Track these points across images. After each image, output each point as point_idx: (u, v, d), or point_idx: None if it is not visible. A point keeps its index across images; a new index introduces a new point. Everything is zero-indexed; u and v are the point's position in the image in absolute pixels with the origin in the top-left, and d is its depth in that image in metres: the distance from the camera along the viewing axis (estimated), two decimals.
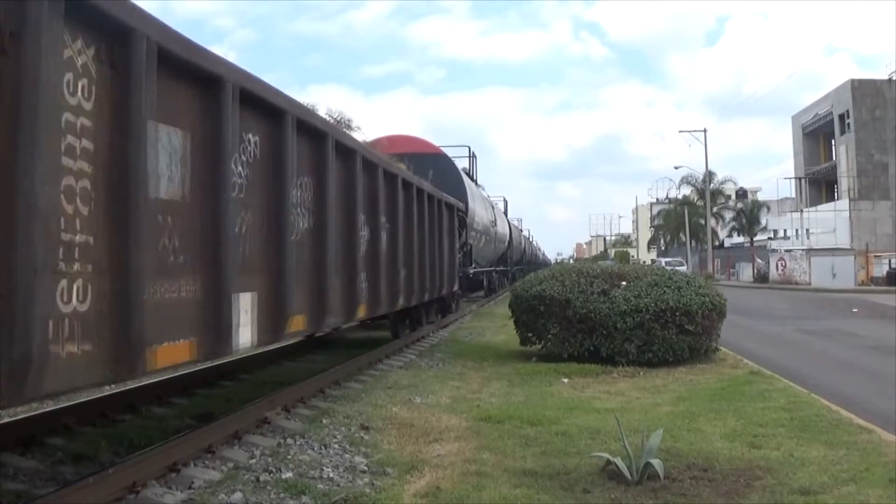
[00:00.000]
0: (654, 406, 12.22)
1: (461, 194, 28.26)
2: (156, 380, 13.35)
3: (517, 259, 61.34)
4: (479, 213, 34.49)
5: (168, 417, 11.26)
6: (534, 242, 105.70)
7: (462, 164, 36.85)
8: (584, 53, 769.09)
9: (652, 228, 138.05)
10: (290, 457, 9.02)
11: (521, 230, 76.62)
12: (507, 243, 48.72)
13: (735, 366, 16.59)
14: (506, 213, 55.55)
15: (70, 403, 11.23)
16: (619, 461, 8.02)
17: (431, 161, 25.96)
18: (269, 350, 17.62)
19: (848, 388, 14.24)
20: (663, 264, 62.30)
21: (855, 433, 10.20)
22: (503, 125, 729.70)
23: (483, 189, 43.28)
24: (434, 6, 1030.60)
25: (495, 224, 41.36)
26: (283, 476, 8.23)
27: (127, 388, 12.53)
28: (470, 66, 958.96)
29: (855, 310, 36.51)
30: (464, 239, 30.75)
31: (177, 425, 10.49)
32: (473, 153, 41.52)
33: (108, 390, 12.90)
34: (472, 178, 37.76)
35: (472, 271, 36.71)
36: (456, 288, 25.15)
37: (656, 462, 7.92)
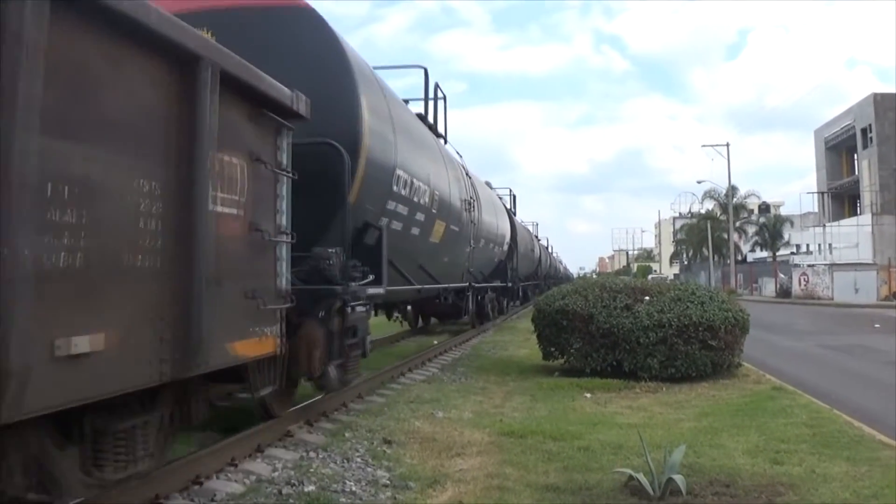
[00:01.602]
0: (677, 421, 12.20)
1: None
2: None
3: (542, 274, 61.39)
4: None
5: (191, 430, 11.29)
6: (556, 256, 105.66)
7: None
8: (605, 67, 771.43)
9: (674, 243, 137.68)
10: (312, 470, 9.05)
11: (545, 245, 76.92)
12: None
13: (758, 381, 16.52)
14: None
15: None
16: (641, 477, 8.01)
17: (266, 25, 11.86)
18: None
19: (870, 403, 14.16)
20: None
21: (877, 449, 10.15)
22: (525, 139, 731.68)
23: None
24: (455, 19, 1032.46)
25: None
26: (306, 489, 8.27)
27: None
28: (491, 79, 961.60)
29: (877, 325, 36.27)
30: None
31: (199, 438, 10.53)
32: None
33: None
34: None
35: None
36: None
37: (679, 478, 7.92)
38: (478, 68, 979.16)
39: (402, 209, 14.49)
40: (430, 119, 20.18)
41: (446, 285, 21.80)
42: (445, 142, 21.80)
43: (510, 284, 36.28)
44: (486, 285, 30.24)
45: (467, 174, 24.02)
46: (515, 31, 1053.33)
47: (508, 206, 41.21)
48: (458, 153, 24.53)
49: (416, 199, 15.28)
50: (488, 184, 33.09)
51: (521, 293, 46.55)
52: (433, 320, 32.76)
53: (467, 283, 25.16)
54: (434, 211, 17.06)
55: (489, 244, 28.17)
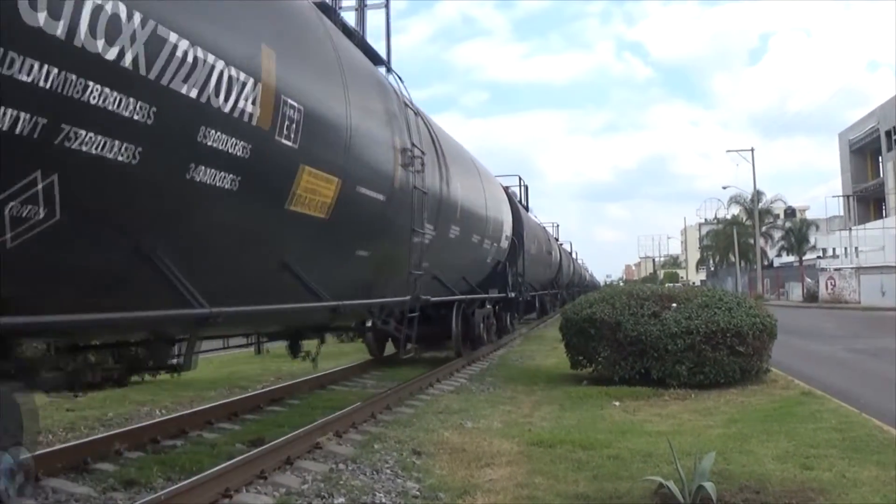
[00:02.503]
0: (706, 428, 12.17)
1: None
2: (206, 406, 13.54)
3: (567, 282, 60.59)
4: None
5: (219, 443, 11.36)
6: (582, 264, 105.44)
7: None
8: (627, 74, 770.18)
9: (700, 249, 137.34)
10: (342, 482, 9.08)
11: (570, 252, 76.79)
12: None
13: (786, 387, 16.48)
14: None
15: (121, 430, 11.40)
16: (671, 484, 8.00)
17: None
18: (320, 375, 17.78)
19: None
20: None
21: None
22: (549, 147, 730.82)
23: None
24: (476, 29, 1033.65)
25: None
26: (336, 502, 8.30)
27: (178, 413, 12.69)
28: (514, 88, 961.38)
29: None
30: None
31: (228, 451, 10.58)
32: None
33: (158, 416, 13.09)
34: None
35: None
36: None
37: (709, 485, 7.90)
38: (500, 77, 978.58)
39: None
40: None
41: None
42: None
43: (512, 295, 28.09)
44: (475, 297, 23.27)
45: (414, 112, 15.17)
46: (537, 39, 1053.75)
47: (554, 235, 42.97)
48: (398, 77, 14.97)
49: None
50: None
51: (537, 304, 43.09)
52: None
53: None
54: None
55: (470, 234, 19.82)
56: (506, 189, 29.50)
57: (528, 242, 31.12)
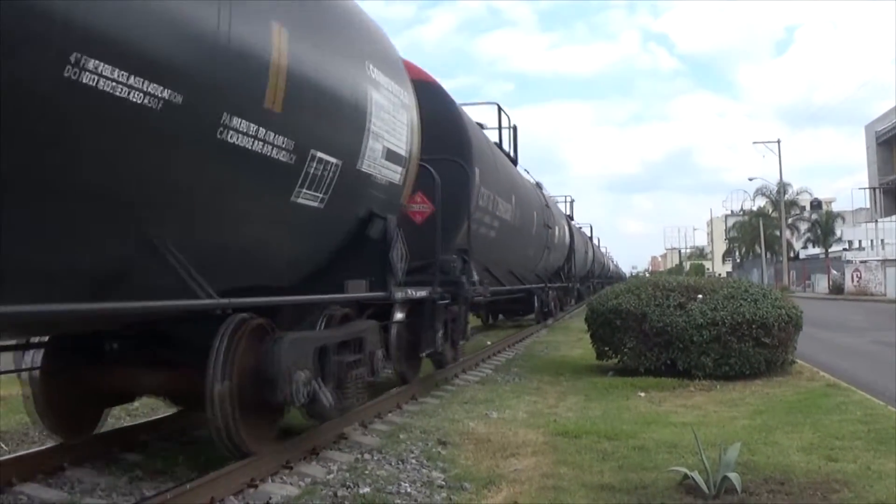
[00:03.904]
0: (731, 419, 12.15)
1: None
2: None
3: (598, 273, 62.80)
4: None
5: None
6: (608, 255, 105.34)
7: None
8: (653, 65, 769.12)
9: (726, 241, 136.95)
10: (367, 472, 9.09)
11: (599, 245, 77.13)
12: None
13: (811, 378, 16.44)
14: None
15: (147, 420, 11.46)
16: (696, 475, 8.00)
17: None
18: None
19: None
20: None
21: None
22: (574, 138, 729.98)
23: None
24: (501, 19, 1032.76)
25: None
26: (361, 491, 8.30)
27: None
28: (539, 79, 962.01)
29: None
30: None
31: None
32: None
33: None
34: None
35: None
36: None
37: (734, 476, 7.90)
38: (525, 68, 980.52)
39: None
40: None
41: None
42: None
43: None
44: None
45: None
46: (562, 30, 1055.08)
47: (567, 213, 46.41)
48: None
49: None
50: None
51: (576, 292, 49.01)
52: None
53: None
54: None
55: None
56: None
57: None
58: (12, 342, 8.76)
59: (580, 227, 55.24)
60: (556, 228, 33.26)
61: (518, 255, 25.39)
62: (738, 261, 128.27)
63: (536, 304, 31.72)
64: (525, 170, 28.63)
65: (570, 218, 48.52)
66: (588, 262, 54.82)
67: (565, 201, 50.48)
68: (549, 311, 34.84)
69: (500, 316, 37.44)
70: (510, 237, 22.20)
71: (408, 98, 11.54)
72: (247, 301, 8.24)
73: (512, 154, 24.23)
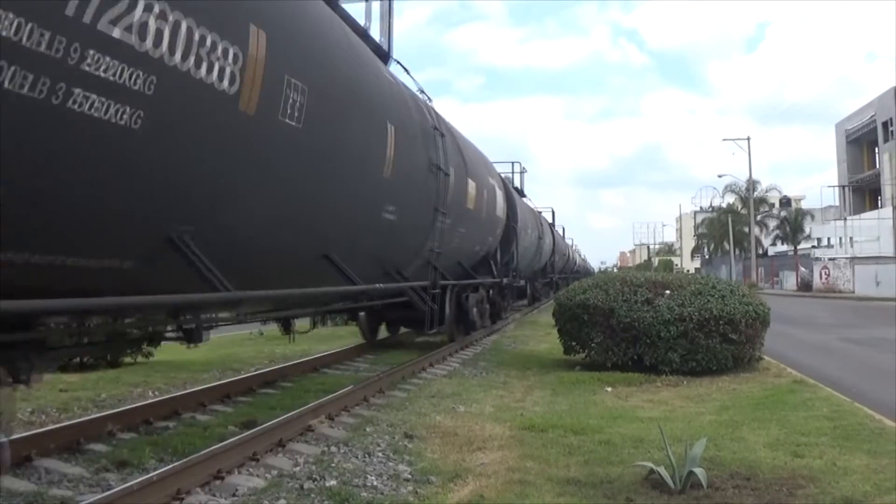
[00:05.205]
0: (698, 415, 12.19)
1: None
2: (199, 388, 13.57)
3: (560, 268, 58.49)
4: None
5: (211, 425, 11.36)
6: (577, 251, 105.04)
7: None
8: (623, 61, 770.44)
9: (695, 237, 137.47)
10: (334, 465, 9.09)
11: (565, 237, 75.94)
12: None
13: (778, 375, 16.51)
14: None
15: (114, 411, 11.40)
16: (662, 470, 8.03)
17: None
18: (313, 358, 17.81)
19: (891, 397, 14.10)
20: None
21: None
22: (545, 133, 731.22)
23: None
24: (472, 13, 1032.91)
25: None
26: (327, 484, 8.29)
27: (170, 395, 12.71)
28: (509, 73, 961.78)
29: None
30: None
31: (220, 433, 10.59)
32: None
33: (151, 398, 13.12)
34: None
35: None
36: None
37: (699, 471, 7.93)
38: (496, 62, 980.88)
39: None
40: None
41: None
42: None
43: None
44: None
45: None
46: (533, 24, 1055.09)
47: (512, 183, 34.49)
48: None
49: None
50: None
51: (528, 290, 42.65)
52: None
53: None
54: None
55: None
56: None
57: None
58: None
59: (556, 230, 52.43)
60: (547, 239, 30.22)
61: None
62: (707, 257, 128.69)
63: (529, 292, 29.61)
64: (529, 200, 28.26)
65: (552, 226, 46.00)
66: (564, 260, 49.46)
67: (549, 212, 46.84)
68: (471, 321, 22.94)
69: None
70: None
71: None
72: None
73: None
